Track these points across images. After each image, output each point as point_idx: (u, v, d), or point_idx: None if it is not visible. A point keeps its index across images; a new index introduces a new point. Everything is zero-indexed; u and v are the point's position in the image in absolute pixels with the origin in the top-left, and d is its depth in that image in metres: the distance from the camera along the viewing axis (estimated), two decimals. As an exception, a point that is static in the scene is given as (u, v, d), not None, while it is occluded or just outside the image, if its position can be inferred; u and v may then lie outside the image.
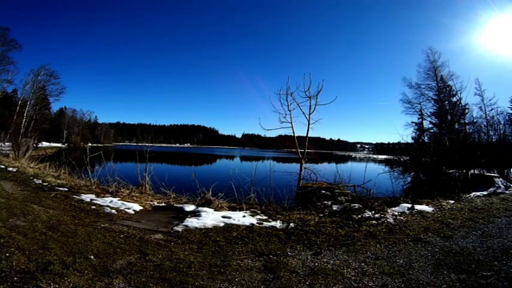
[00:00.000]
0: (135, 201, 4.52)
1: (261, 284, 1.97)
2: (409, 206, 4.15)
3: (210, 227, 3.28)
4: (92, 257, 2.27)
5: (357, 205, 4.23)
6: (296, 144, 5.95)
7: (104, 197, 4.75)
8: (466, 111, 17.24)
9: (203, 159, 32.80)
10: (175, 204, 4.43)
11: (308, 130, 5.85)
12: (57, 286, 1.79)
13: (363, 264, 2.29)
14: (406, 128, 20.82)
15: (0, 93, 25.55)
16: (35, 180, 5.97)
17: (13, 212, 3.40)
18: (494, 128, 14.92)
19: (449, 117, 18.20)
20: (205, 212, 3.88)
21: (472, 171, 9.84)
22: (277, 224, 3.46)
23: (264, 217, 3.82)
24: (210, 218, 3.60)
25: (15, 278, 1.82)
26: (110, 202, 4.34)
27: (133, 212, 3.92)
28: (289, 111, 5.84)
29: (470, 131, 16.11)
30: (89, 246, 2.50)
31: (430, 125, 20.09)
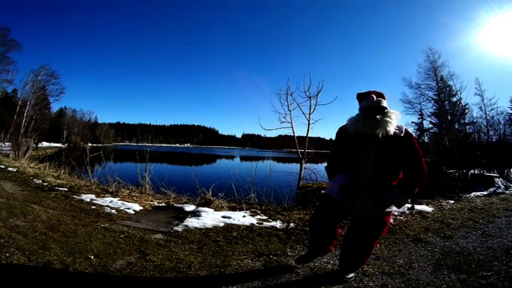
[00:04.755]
0: (135, 201, 4.52)
1: (261, 284, 1.97)
2: (409, 206, 4.15)
3: (210, 227, 3.28)
4: (92, 257, 2.27)
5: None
6: (296, 144, 5.95)
7: (104, 197, 4.74)
8: (466, 111, 17.24)
9: (203, 159, 32.76)
10: (175, 204, 4.43)
11: (308, 130, 5.85)
12: (57, 286, 1.79)
13: (363, 264, 2.28)
14: (406, 128, 20.79)
15: (0, 93, 25.54)
16: (35, 180, 5.97)
17: (13, 212, 3.40)
18: (494, 128, 14.94)
19: (449, 117, 18.19)
20: (205, 212, 3.88)
21: (472, 171, 9.85)
22: (277, 224, 3.46)
23: (264, 217, 3.82)
24: (210, 218, 3.60)
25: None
26: (110, 202, 4.34)
27: (133, 212, 3.92)
28: (289, 111, 5.83)
29: (470, 131, 16.11)
30: (89, 246, 2.50)
31: (430, 125, 20.10)
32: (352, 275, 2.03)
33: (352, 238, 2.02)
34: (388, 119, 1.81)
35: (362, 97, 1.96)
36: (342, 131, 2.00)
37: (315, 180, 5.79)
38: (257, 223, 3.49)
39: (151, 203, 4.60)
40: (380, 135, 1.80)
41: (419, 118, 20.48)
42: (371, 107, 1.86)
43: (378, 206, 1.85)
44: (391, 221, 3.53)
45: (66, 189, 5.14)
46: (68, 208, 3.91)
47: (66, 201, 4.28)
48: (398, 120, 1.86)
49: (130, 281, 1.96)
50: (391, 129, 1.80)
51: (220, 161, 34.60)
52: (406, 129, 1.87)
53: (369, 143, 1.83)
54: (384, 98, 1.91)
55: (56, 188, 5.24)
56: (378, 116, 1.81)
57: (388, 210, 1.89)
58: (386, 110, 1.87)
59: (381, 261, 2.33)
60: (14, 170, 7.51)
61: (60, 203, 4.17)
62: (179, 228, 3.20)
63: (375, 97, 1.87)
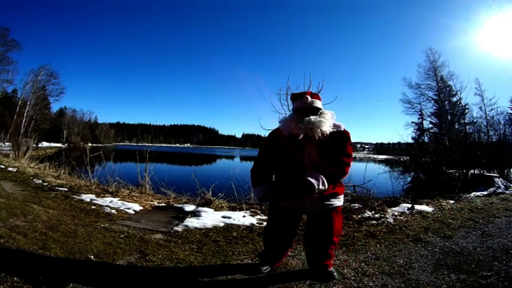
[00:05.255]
0: (135, 201, 4.52)
1: (261, 283, 1.97)
2: (409, 206, 4.16)
3: (210, 227, 3.28)
4: (92, 257, 2.27)
5: (357, 205, 4.23)
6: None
7: (104, 197, 4.75)
8: (466, 111, 17.25)
9: (203, 159, 32.75)
10: (175, 204, 4.43)
11: (308, 130, 5.85)
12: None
13: (363, 264, 2.28)
14: (406, 128, 20.86)
15: (0, 93, 25.57)
16: (35, 180, 5.97)
17: (13, 212, 3.40)
18: (494, 128, 14.92)
19: (449, 117, 18.20)
20: (205, 212, 3.88)
21: (472, 171, 9.83)
22: (277, 224, 3.45)
23: (264, 217, 3.82)
24: (210, 218, 3.60)
25: (15, 278, 1.82)
26: (110, 202, 4.34)
27: (133, 212, 3.92)
28: (290, 111, 5.83)
29: (470, 131, 16.09)
30: (89, 246, 2.50)
31: (430, 125, 20.12)
32: (332, 269, 2.02)
33: (310, 234, 2.02)
34: (322, 119, 1.82)
35: (296, 98, 1.96)
36: (274, 136, 1.96)
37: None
38: (257, 223, 3.49)
39: (151, 203, 4.60)
40: (315, 136, 1.80)
41: (419, 118, 20.54)
42: (304, 107, 1.87)
43: (323, 201, 1.86)
44: (391, 220, 3.53)
45: (66, 189, 5.15)
46: (68, 208, 3.91)
47: (66, 201, 4.28)
48: (333, 119, 1.89)
49: (130, 281, 1.96)
50: (326, 129, 1.81)
51: (220, 161, 34.60)
52: (344, 128, 1.90)
53: (306, 143, 1.83)
54: (319, 99, 1.92)
55: (56, 188, 5.25)
56: (311, 117, 1.82)
57: (334, 204, 1.90)
58: (320, 111, 1.89)
59: (381, 261, 2.33)
60: (14, 170, 7.52)
61: (60, 203, 4.17)
62: (179, 228, 3.20)
63: (309, 97, 1.88)
